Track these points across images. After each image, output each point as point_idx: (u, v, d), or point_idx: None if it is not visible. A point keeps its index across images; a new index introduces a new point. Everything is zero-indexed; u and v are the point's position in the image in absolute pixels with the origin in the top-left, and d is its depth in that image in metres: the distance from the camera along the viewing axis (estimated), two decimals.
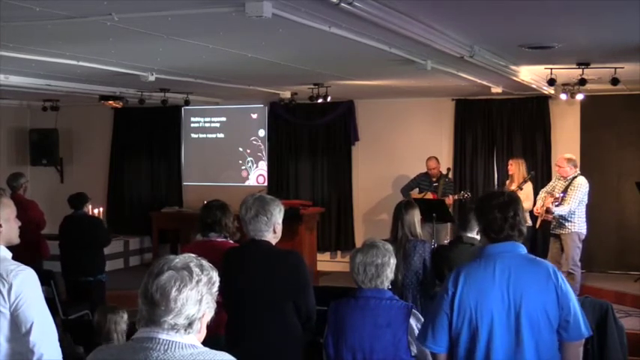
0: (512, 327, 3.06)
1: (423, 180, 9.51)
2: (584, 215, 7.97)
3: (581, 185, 7.88)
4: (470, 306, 3.09)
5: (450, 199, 9.13)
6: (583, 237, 7.99)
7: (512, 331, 3.06)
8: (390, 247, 3.77)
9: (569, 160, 8.03)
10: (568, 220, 7.88)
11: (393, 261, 3.70)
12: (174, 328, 2.02)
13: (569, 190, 7.86)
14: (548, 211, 7.94)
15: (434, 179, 9.45)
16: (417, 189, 9.51)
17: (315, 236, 10.16)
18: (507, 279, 3.08)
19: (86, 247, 7.25)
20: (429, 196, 9.24)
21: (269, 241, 3.77)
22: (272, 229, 3.76)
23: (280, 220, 3.81)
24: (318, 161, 11.29)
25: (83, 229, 7.31)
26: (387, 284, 3.67)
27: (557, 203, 7.85)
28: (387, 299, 3.59)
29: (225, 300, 3.79)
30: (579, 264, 7.98)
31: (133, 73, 7.17)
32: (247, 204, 3.78)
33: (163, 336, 2.02)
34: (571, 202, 7.80)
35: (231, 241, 4.53)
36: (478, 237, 4.83)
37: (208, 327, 2.14)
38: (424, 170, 9.58)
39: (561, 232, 7.95)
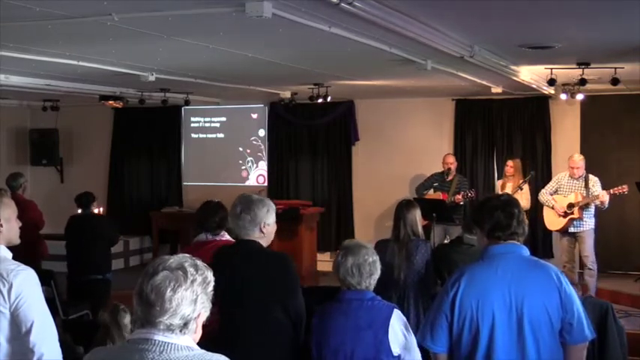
0: (514, 328, 3.06)
1: (437, 179, 9.37)
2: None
3: (598, 180, 8.10)
4: (471, 306, 3.09)
5: (459, 197, 8.92)
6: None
7: (514, 332, 3.06)
8: (370, 245, 3.78)
9: (583, 159, 8.16)
10: (587, 218, 8.00)
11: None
12: (169, 328, 2.02)
13: (590, 186, 7.99)
14: (585, 208, 7.95)
15: (447, 178, 9.25)
16: (432, 190, 9.33)
17: (315, 236, 10.14)
18: (510, 280, 3.08)
19: (95, 245, 7.27)
20: (439, 195, 9.17)
21: (256, 241, 3.67)
22: (258, 229, 3.65)
23: (270, 221, 3.68)
24: (318, 161, 11.28)
25: (92, 227, 7.33)
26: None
27: (597, 202, 7.89)
28: (368, 300, 3.57)
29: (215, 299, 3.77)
30: (595, 260, 8.06)
31: (133, 73, 7.17)
32: (235, 202, 3.71)
33: (159, 337, 2.01)
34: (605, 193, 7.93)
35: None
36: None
37: (210, 328, 2.13)
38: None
39: (582, 229, 8.03)
